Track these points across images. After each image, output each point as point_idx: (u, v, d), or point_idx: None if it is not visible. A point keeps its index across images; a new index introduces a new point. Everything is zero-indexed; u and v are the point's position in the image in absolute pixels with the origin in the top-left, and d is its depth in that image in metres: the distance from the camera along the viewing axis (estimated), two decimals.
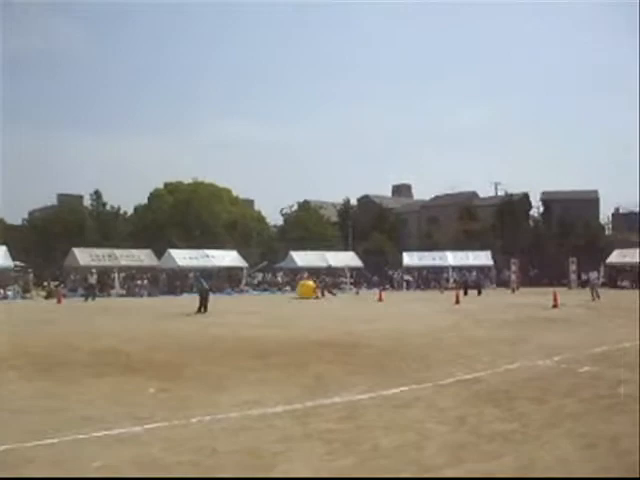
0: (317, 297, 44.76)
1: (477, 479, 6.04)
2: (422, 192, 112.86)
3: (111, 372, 12.84)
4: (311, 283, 47.35)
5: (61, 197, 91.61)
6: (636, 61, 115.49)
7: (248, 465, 6.59)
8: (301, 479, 5.98)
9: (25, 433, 7.97)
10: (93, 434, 7.92)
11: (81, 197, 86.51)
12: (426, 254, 64.88)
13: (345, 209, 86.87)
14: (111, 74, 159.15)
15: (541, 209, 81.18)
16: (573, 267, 56.43)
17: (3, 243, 52.05)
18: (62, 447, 7.43)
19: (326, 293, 48.37)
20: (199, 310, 29.52)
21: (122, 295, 48.46)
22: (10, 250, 49.72)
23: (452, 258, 63.23)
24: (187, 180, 79.18)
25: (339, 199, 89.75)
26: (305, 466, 6.56)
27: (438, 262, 63.32)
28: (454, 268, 62.03)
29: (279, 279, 58.74)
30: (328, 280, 54.02)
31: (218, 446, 7.30)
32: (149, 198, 77.86)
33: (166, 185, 79.32)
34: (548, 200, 79.26)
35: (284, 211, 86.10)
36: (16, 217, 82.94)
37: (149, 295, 48.56)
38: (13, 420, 8.80)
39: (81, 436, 7.83)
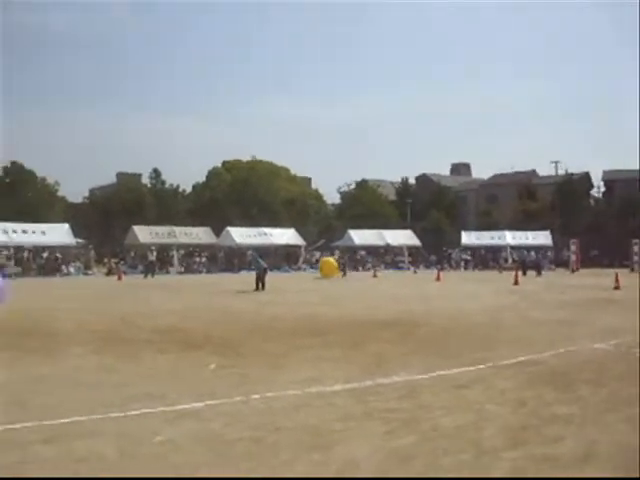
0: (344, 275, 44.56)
1: (478, 479, 6.05)
2: (481, 171, 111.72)
3: (172, 349, 13.06)
4: (332, 260, 46.91)
5: (120, 175, 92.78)
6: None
7: (309, 443, 6.64)
8: (298, 479, 6.02)
9: (91, 406, 8.18)
10: (155, 409, 8.08)
11: (140, 175, 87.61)
12: (484, 233, 64.27)
13: (403, 187, 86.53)
14: (167, 54, 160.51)
15: (602, 188, 79.73)
16: (636, 248, 55.29)
17: (66, 221, 53.20)
18: (126, 421, 7.59)
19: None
20: (257, 288, 29.77)
21: (181, 272, 49.09)
22: (72, 228, 50.85)
23: (511, 238, 62.52)
24: (245, 158, 79.67)
25: (397, 178, 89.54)
26: (365, 445, 6.59)
27: (496, 242, 62.71)
28: (513, 248, 61.33)
29: (336, 257, 58.82)
30: (346, 259, 53.33)
31: (279, 423, 7.39)
32: (207, 176, 78.52)
33: (224, 163, 79.90)
34: (610, 179, 77.71)
35: (342, 189, 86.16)
36: (77, 195, 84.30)
37: (207, 272, 49.13)
38: (79, 393, 9.03)
39: (144, 410, 8.00)
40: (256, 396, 8.67)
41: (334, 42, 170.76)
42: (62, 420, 7.51)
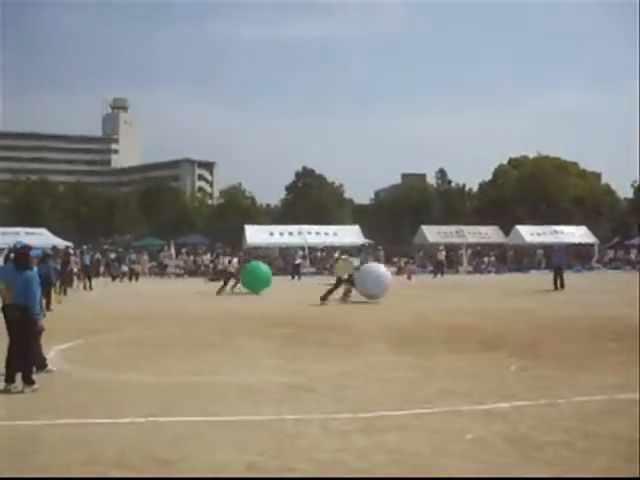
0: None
1: (474, 479, 5.62)
2: None
3: (469, 348, 13.14)
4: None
5: (405, 176, 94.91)
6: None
7: (623, 453, 6.37)
8: (296, 479, 5.78)
9: (396, 402, 8.54)
10: (461, 407, 8.22)
11: (424, 176, 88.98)
12: None
13: None
14: (446, 52, 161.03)
15: None
16: None
17: (353, 222, 55.35)
18: (433, 418, 7.82)
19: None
20: (555, 287, 28.90)
21: (469, 272, 48.91)
22: (361, 228, 52.85)
23: None
24: (532, 154, 78.07)
25: None
26: None
27: None
28: None
29: (632, 256, 55.64)
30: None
31: (588, 429, 7.19)
32: (494, 174, 77.85)
33: (510, 160, 78.88)
34: None
35: (636, 183, 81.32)
36: (363, 197, 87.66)
37: (496, 272, 48.55)
38: (384, 389, 9.43)
39: (450, 408, 8.17)
40: (561, 400, 8.50)
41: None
42: (373, 414, 7.91)
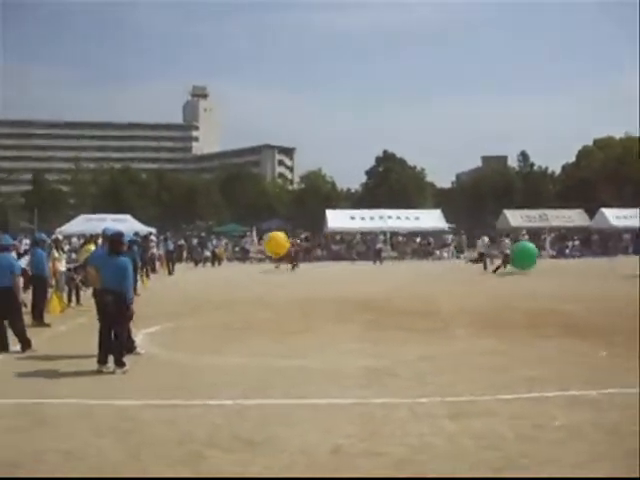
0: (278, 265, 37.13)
1: (475, 479, 5.43)
2: None
3: (553, 333, 12.98)
4: (282, 236, 38.06)
5: (486, 159, 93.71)
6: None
7: None
8: (287, 479, 5.62)
9: (482, 387, 8.52)
10: (547, 393, 8.12)
11: (505, 158, 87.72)
12: None
13: None
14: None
15: None
16: None
17: (434, 206, 54.81)
18: (518, 403, 7.76)
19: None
20: None
21: (552, 256, 47.80)
22: (443, 212, 52.38)
23: None
24: (618, 135, 76.12)
25: None
26: None
27: None
28: None
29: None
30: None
31: None
32: (578, 156, 76.15)
33: (595, 142, 76.97)
34: None
35: None
36: (444, 180, 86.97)
37: (580, 256, 47.41)
38: (467, 373, 9.41)
39: (536, 394, 8.10)
40: None
41: None
42: (459, 398, 7.93)
